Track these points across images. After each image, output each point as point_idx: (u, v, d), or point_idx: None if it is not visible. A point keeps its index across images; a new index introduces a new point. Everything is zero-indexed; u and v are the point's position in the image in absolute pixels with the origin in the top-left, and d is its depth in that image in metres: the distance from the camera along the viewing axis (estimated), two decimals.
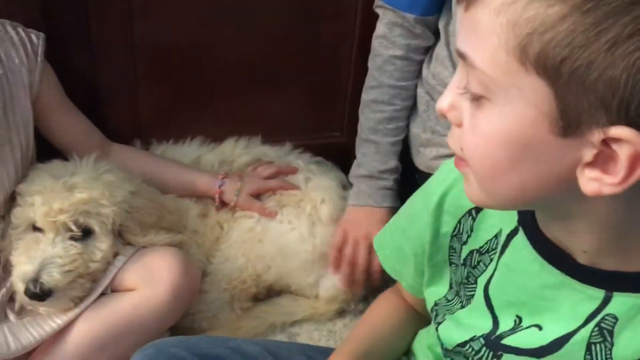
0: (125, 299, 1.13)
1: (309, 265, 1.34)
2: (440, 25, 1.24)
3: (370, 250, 1.28)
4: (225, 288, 1.32)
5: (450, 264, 0.77)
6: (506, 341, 0.68)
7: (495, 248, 0.71)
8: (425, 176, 1.29)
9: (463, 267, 0.75)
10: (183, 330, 1.26)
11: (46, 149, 1.24)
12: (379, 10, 1.27)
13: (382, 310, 0.93)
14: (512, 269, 0.68)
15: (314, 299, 1.37)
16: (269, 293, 1.38)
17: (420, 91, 1.29)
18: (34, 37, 1.16)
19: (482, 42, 0.54)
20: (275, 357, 0.89)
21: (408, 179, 1.34)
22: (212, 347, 0.89)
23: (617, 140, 0.51)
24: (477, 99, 0.56)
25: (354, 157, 1.36)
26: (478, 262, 0.73)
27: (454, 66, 1.21)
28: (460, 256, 0.75)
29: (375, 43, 1.28)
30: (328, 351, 0.95)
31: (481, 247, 0.73)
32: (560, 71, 0.51)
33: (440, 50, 1.24)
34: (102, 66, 1.33)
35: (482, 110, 0.56)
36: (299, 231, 1.35)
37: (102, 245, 1.13)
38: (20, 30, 1.15)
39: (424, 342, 0.90)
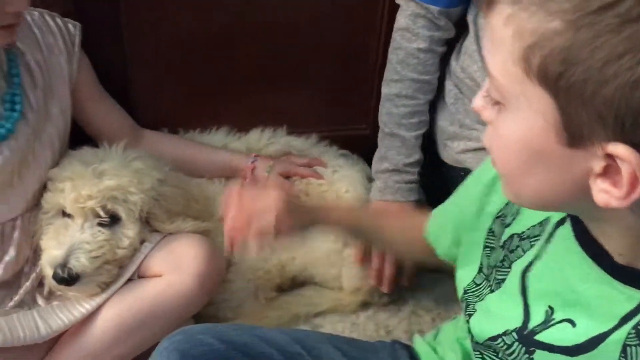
0: (151, 285, 1.13)
1: (333, 256, 1.33)
2: (469, 19, 1.22)
3: None
4: (250, 278, 1.32)
5: (485, 247, 0.77)
6: (540, 337, 0.67)
7: (539, 235, 0.70)
8: (452, 170, 1.29)
9: (501, 249, 0.74)
10: (207, 319, 1.26)
11: (75, 135, 1.24)
12: (400, 2, 1.25)
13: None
14: (555, 258, 0.67)
15: (338, 290, 1.36)
16: (293, 284, 1.37)
17: (448, 84, 1.27)
18: (71, 26, 1.18)
19: (495, 50, 0.56)
20: (302, 346, 0.89)
21: (434, 172, 1.33)
22: (239, 335, 0.89)
23: (618, 156, 0.51)
24: (497, 104, 0.58)
25: None
26: (516, 247, 0.72)
27: (483, 60, 1.18)
28: (500, 238, 0.75)
29: (397, 36, 1.26)
30: (354, 342, 0.95)
31: (523, 233, 0.72)
32: (559, 84, 0.52)
33: (469, 43, 1.22)
34: (132, 56, 1.33)
35: (500, 115, 0.58)
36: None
37: (129, 232, 1.13)
38: (58, 19, 1.16)
39: (451, 335, 0.89)
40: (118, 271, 1.13)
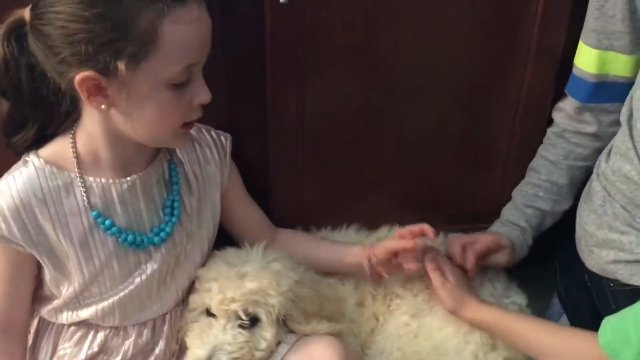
0: None
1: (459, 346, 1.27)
2: (623, 119, 1.17)
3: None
4: None
5: None
6: None
7: None
8: (597, 279, 1.20)
9: None
10: None
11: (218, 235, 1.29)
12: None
13: None
14: None
15: None
16: None
17: (596, 185, 1.21)
18: (222, 138, 1.24)
19: None
20: None
21: (577, 280, 1.26)
22: None
23: None
24: None
25: None
26: None
27: (639, 159, 1.12)
28: None
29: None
30: None
31: None
32: None
33: (621, 143, 1.16)
34: (274, 161, 1.39)
35: None
36: (455, 325, 1.28)
37: (267, 334, 1.14)
38: (212, 132, 1.24)
39: None
40: None
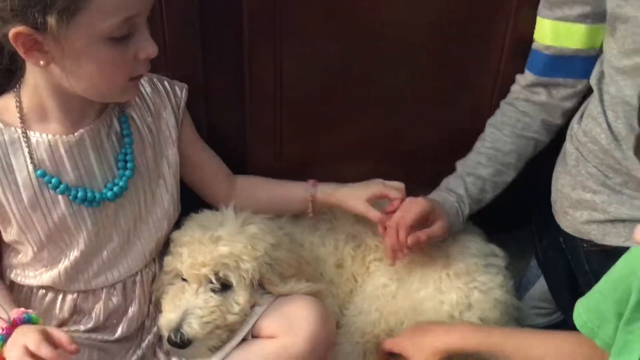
0: (267, 346, 1.11)
1: (443, 320, 1.26)
2: (592, 82, 1.15)
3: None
4: (358, 341, 1.26)
5: None
6: None
7: None
8: (572, 240, 1.19)
9: None
10: None
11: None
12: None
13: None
14: None
15: None
16: None
17: (569, 147, 1.20)
18: (177, 88, 1.19)
19: None
20: None
21: (553, 243, 1.24)
22: None
23: None
24: None
25: (494, 210, 1.29)
26: None
27: (608, 124, 1.10)
28: None
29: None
30: None
31: None
32: None
33: (593, 107, 1.14)
34: (252, 126, 1.36)
35: None
36: (434, 286, 1.27)
37: (240, 298, 1.11)
38: (165, 82, 1.18)
39: None
40: (228, 335, 1.11)
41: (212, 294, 1.11)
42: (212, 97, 1.27)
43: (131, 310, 1.15)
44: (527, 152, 1.27)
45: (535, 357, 0.99)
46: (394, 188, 1.26)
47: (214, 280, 1.11)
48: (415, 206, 1.21)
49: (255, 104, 1.33)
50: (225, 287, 1.12)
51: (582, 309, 0.88)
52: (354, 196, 1.26)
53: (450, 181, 1.29)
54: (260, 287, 1.15)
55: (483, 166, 1.26)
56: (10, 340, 0.93)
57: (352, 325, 1.28)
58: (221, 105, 1.32)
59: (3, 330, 0.95)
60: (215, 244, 1.11)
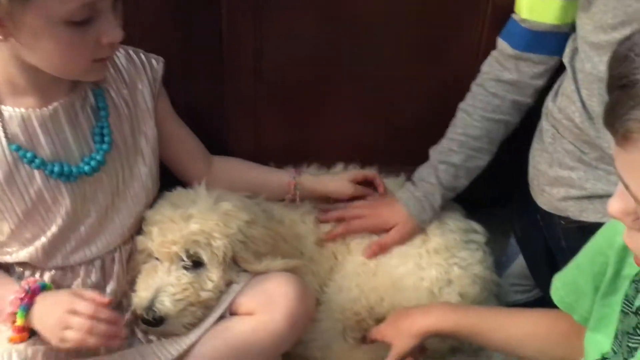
0: (244, 323, 1.10)
1: (423, 298, 1.25)
2: (565, 60, 1.14)
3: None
4: (339, 318, 1.26)
5: (620, 311, 0.73)
6: None
7: None
8: (549, 217, 1.18)
9: (634, 316, 0.69)
10: (296, 358, 1.22)
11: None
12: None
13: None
14: None
15: None
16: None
17: (545, 124, 1.19)
18: (154, 61, 1.16)
19: None
20: None
21: (531, 220, 1.23)
22: None
23: None
24: None
25: (469, 187, 1.29)
26: None
27: (582, 102, 1.09)
28: (633, 304, 0.71)
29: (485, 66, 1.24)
30: None
31: None
32: None
33: (567, 84, 1.13)
34: (230, 101, 1.33)
35: None
36: (413, 263, 1.26)
37: (212, 275, 1.10)
38: (142, 55, 1.15)
39: None
40: (203, 312, 1.10)
41: (184, 271, 1.09)
42: (190, 73, 1.25)
43: (109, 288, 1.14)
44: (499, 135, 1.25)
45: (512, 335, 0.99)
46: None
47: (185, 258, 1.09)
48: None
49: (234, 79, 1.31)
50: (197, 264, 1.11)
51: (560, 284, 0.88)
52: (338, 179, 1.33)
53: (422, 170, 1.28)
54: (235, 264, 1.14)
55: (455, 153, 1.25)
56: (38, 310, 0.96)
57: (332, 302, 1.27)
58: (199, 81, 1.30)
59: (23, 299, 0.96)
60: (187, 222, 1.10)
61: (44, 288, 0.98)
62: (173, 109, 1.22)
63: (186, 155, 1.24)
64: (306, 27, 1.28)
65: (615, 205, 0.60)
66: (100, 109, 1.07)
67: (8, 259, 1.08)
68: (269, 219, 1.22)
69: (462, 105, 1.26)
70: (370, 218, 1.29)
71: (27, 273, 1.09)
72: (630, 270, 0.72)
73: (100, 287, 1.13)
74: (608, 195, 1.06)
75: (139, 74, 1.14)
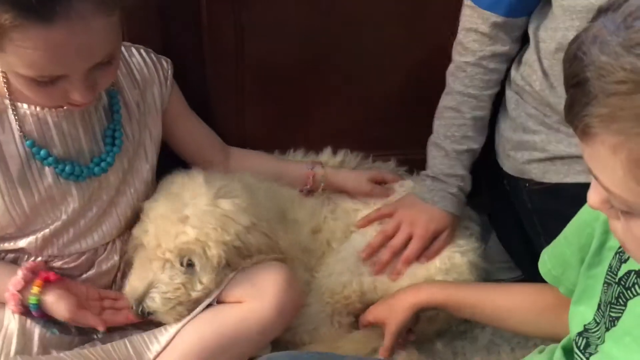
0: (233, 310, 1.09)
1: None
2: (530, 30, 1.13)
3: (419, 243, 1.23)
4: (328, 302, 1.24)
5: (604, 282, 0.75)
6: None
7: None
8: (514, 181, 1.20)
9: (616, 286, 0.71)
10: (284, 343, 1.21)
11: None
12: (462, 15, 1.18)
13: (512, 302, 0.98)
14: None
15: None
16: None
17: (508, 92, 1.20)
18: (164, 61, 1.17)
19: (609, 172, 0.56)
20: None
21: (499, 190, 1.26)
22: None
23: None
24: (624, 212, 0.59)
25: None
26: (633, 284, 0.70)
27: (543, 71, 1.10)
28: (616, 274, 0.72)
29: (453, 49, 1.20)
30: None
31: None
32: None
33: (529, 54, 1.14)
34: (213, 82, 1.30)
35: (631, 220, 0.58)
36: None
37: (203, 279, 1.09)
38: (152, 55, 1.15)
39: None
40: (192, 308, 1.09)
41: (177, 271, 1.08)
42: (170, 57, 1.20)
43: (100, 278, 1.14)
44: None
45: (500, 306, 1.01)
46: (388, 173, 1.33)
47: (177, 265, 1.08)
48: (420, 237, 1.24)
49: (216, 65, 1.28)
50: (191, 265, 1.09)
51: (547, 256, 0.89)
52: (357, 176, 1.31)
53: (441, 164, 1.24)
54: (227, 266, 1.12)
55: (471, 139, 1.23)
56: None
57: (322, 286, 1.25)
58: (180, 65, 1.25)
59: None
60: (183, 224, 1.06)
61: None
62: (187, 104, 1.22)
63: (204, 149, 1.25)
64: (287, 13, 1.24)
65: (592, 197, 0.62)
66: (114, 111, 1.08)
67: (6, 245, 1.07)
68: (271, 227, 1.17)
69: (459, 88, 1.20)
70: (419, 239, 1.24)
71: (19, 260, 1.09)
72: (614, 242, 0.73)
73: (90, 277, 1.13)
74: (569, 157, 1.11)
75: (151, 74, 1.14)
